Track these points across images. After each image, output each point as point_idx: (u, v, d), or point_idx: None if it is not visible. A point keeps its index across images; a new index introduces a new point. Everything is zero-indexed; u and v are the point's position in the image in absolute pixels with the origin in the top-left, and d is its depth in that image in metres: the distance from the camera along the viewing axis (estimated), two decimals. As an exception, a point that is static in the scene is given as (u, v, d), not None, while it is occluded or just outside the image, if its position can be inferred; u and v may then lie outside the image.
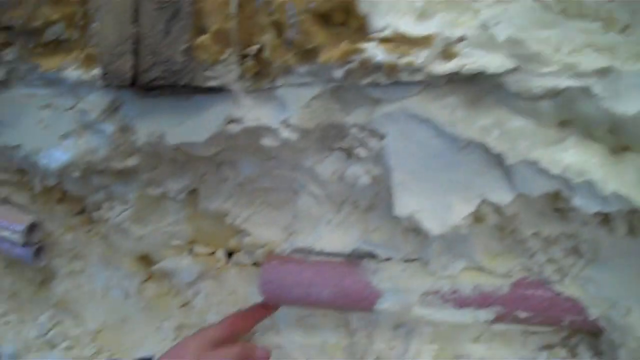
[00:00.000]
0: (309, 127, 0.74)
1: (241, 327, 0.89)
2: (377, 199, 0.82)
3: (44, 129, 0.90)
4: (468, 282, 0.79)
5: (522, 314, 0.77)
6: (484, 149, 0.66)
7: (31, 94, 0.90)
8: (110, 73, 0.74)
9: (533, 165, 0.64)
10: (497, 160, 0.66)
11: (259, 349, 0.89)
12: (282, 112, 0.75)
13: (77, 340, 1.04)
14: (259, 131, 0.78)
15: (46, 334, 1.03)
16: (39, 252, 1.00)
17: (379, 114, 0.70)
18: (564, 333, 0.83)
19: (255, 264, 1.03)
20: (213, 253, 1.06)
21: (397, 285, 0.81)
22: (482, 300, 0.78)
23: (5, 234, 0.97)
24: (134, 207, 0.99)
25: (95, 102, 0.84)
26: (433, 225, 0.70)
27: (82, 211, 1.10)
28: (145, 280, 1.09)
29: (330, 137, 0.79)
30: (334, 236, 0.88)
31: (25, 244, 0.98)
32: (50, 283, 1.12)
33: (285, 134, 0.75)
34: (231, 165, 0.92)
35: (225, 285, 1.04)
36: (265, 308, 0.92)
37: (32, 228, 0.98)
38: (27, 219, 0.97)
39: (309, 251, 0.90)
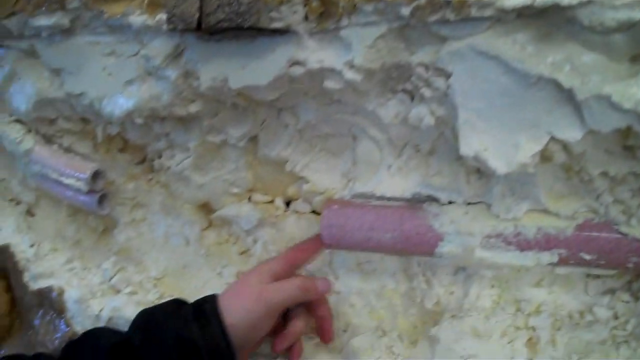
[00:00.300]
0: (373, 68, 0.74)
1: (299, 260, 0.90)
2: (439, 142, 0.82)
3: (108, 76, 0.92)
4: (532, 224, 0.78)
5: (587, 256, 0.77)
6: (554, 85, 0.65)
7: (95, 42, 0.92)
8: (176, 16, 0.74)
9: (604, 100, 0.63)
10: (567, 96, 0.65)
11: (320, 279, 0.90)
12: (346, 53, 0.74)
13: (140, 285, 1.06)
14: (323, 73, 0.78)
15: (110, 279, 1.06)
16: (102, 199, 1.02)
17: (446, 52, 0.70)
18: (628, 277, 0.82)
19: (314, 212, 1.04)
20: (272, 201, 1.07)
21: (459, 228, 0.81)
22: (545, 243, 0.78)
23: (70, 181, 0.99)
24: (195, 155, 1.00)
25: (159, 47, 0.85)
26: (499, 164, 0.70)
27: (143, 160, 1.12)
28: (205, 228, 1.11)
29: (393, 79, 0.79)
30: (394, 181, 0.88)
31: (89, 192, 1.00)
32: (112, 231, 1.15)
33: (349, 75, 0.75)
34: (291, 111, 0.92)
35: (284, 233, 1.05)
36: (321, 241, 0.92)
37: (95, 176, 1.00)
38: (90, 167, 0.99)
39: (369, 196, 0.90)
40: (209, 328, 0.75)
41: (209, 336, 0.74)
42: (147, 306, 0.99)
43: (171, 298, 0.85)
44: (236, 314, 0.78)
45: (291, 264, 0.88)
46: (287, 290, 0.83)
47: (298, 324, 0.89)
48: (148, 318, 0.81)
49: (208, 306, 0.78)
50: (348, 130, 0.92)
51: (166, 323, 0.77)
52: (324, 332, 0.93)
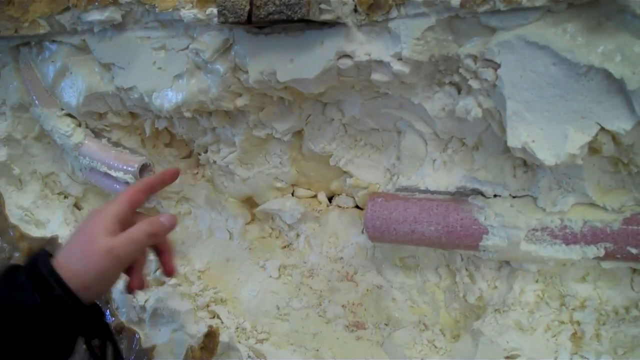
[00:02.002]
0: (421, 60, 0.75)
1: (141, 200, 0.83)
2: (486, 135, 0.82)
3: (158, 70, 0.93)
4: (578, 217, 0.78)
5: (633, 250, 0.76)
6: (605, 75, 0.65)
7: (146, 36, 0.94)
8: (227, 9, 0.75)
9: (656, 91, 0.63)
10: (617, 87, 0.65)
11: (165, 217, 0.82)
12: (394, 45, 0.75)
13: (184, 278, 1.08)
14: (370, 65, 0.79)
15: (155, 271, 1.07)
16: (149, 192, 1.03)
17: (495, 43, 0.70)
18: (675, 272, 0.82)
19: (357, 206, 1.05)
20: (315, 195, 1.09)
21: (505, 221, 0.81)
22: (592, 236, 0.77)
23: (118, 174, 1.01)
24: (240, 149, 1.02)
25: (208, 42, 0.87)
26: (547, 156, 0.70)
27: (189, 155, 1.14)
28: (249, 222, 1.13)
29: (440, 71, 0.79)
30: (438, 175, 0.89)
31: (137, 184, 1.02)
32: (157, 224, 1.17)
33: (397, 67, 0.76)
34: (337, 105, 0.94)
35: (327, 228, 1.06)
36: (160, 178, 0.89)
37: (143, 168, 1.01)
38: (139, 160, 1.01)
39: (413, 190, 0.91)
40: (55, 295, 0.67)
41: (56, 303, 0.67)
42: (190, 298, 1.01)
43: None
44: (86, 275, 0.70)
45: (132, 204, 0.80)
46: (137, 242, 0.76)
47: (142, 259, 0.83)
48: None
49: (52, 278, 0.68)
50: (393, 124, 0.92)
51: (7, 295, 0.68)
52: (165, 266, 0.86)
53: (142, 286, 0.82)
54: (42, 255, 0.72)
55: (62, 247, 0.75)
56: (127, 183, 1.01)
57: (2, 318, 0.66)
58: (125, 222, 0.77)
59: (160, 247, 0.85)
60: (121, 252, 0.73)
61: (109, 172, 1.02)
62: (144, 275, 0.82)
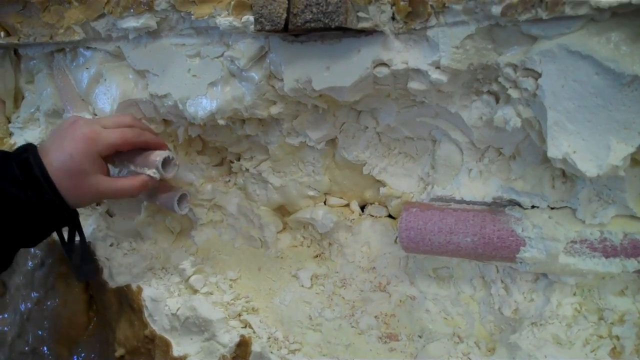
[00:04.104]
0: (460, 69, 0.74)
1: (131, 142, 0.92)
2: (524, 145, 0.81)
3: (192, 77, 0.94)
4: (618, 230, 0.77)
5: (676, 264, 0.75)
6: (649, 85, 0.64)
7: (180, 43, 0.94)
8: (264, 17, 0.75)
9: (701, 102, 0.62)
10: (662, 97, 0.64)
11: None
12: (432, 54, 0.74)
13: (216, 286, 1.07)
14: (407, 74, 0.78)
15: (187, 279, 1.07)
16: (182, 199, 1.03)
17: (536, 52, 0.69)
18: None
19: (390, 216, 1.04)
20: (347, 204, 1.08)
21: (543, 233, 0.79)
22: (632, 249, 0.76)
23: (143, 170, 0.98)
24: (273, 157, 1.02)
25: (244, 49, 0.87)
26: (589, 167, 0.68)
27: (221, 162, 1.14)
28: (281, 231, 1.12)
29: (478, 80, 0.78)
30: (474, 185, 0.88)
31: (170, 190, 1.02)
32: (189, 232, 1.17)
33: (435, 76, 0.75)
34: (371, 113, 0.93)
35: (359, 237, 1.05)
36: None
37: (166, 162, 0.96)
38: (162, 154, 0.98)
39: (448, 200, 0.90)
40: (47, 199, 0.81)
41: (47, 204, 0.81)
42: (222, 307, 1.01)
43: None
44: (75, 199, 0.85)
45: (132, 143, 0.92)
46: (118, 188, 0.89)
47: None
48: None
49: (46, 184, 0.81)
50: (428, 133, 0.92)
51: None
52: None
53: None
54: (34, 154, 0.82)
55: (54, 142, 0.85)
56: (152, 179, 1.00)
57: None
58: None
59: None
60: (105, 195, 0.88)
61: (134, 169, 1.00)
62: None
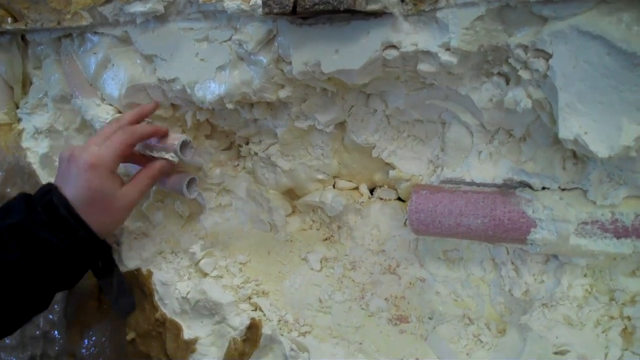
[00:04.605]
0: (470, 50, 0.73)
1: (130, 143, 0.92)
2: (534, 126, 0.80)
3: (200, 61, 0.93)
4: (629, 211, 0.76)
5: (687, 244, 0.75)
6: (661, 65, 0.64)
7: (188, 28, 0.94)
8: (272, 0, 0.75)
9: None
10: (675, 77, 0.64)
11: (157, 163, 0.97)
12: (442, 35, 0.74)
13: (226, 269, 1.08)
14: (417, 56, 0.78)
15: (197, 263, 1.07)
16: (191, 183, 1.03)
17: (547, 32, 0.68)
18: None
19: (399, 199, 1.04)
20: (356, 188, 1.08)
21: (554, 214, 0.79)
22: (644, 230, 0.76)
23: (160, 154, 0.98)
24: (282, 141, 1.02)
25: (252, 33, 0.86)
26: (601, 147, 0.68)
27: (229, 146, 1.14)
28: (290, 214, 1.13)
29: (489, 62, 0.78)
30: (484, 167, 0.88)
31: (180, 174, 1.02)
32: (198, 217, 1.17)
33: (445, 57, 0.75)
34: (380, 96, 0.93)
35: (368, 220, 1.05)
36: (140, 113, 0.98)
37: (184, 145, 0.98)
38: (179, 137, 0.98)
39: (457, 182, 0.90)
40: (80, 236, 0.82)
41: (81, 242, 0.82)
42: (232, 290, 1.01)
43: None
44: (109, 226, 0.88)
45: (131, 143, 0.92)
46: (142, 187, 0.92)
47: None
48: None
49: (74, 222, 0.82)
50: (438, 116, 0.91)
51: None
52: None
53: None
54: (58, 195, 0.82)
55: (64, 185, 0.85)
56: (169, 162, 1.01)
57: (32, 254, 0.79)
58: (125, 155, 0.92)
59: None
60: (136, 200, 0.91)
61: (150, 154, 1.00)
62: None
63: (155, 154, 0.97)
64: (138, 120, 0.96)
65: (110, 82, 1.04)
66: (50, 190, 0.83)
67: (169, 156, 0.95)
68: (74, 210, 0.81)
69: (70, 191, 0.83)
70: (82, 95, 1.08)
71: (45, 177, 1.18)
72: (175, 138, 0.97)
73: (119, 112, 1.08)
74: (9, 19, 1.07)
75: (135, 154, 0.99)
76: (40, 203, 0.81)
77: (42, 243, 0.78)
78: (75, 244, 0.81)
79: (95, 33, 1.04)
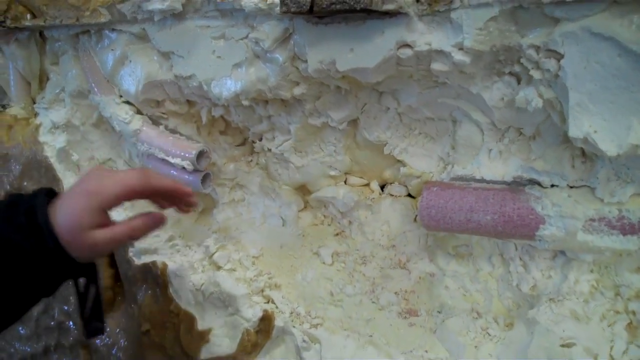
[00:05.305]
0: (483, 50, 0.75)
1: (133, 197, 0.83)
2: (544, 125, 0.82)
3: (217, 59, 0.95)
4: (636, 208, 0.78)
5: (692, 241, 0.77)
6: (670, 66, 0.66)
7: (205, 25, 0.95)
8: (290, -1, 0.77)
9: None
10: (683, 78, 0.66)
11: (148, 215, 0.84)
12: (455, 35, 0.76)
13: (239, 263, 1.10)
14: (431, 55, 0.79)
15: (211, 256, 1.10)
16: (205, 179, 1.06)
17: (559, 33, 0.70)
18: None
19: (409, 195, 1.06)
20: (368, 184, 1.10)
21: (562, 211, 0.81)
22: (650, 227, 0.78)
23: (176, 160, 1.03)
24: (295, 138, 1.04)
25: (268, 31, 0.88)
26: (610, 146, 0.70)
27: (243, 142, 1.16)
28: (302, 209, 1.15)
29: (500, 62, 0.80)
30: (494, 164, 0.90)
31: (193, 171, 1.04)
32: (211, 211, 1.19)
33: (458, 57, 0.77)
34: (392, 94, 0.95)
35: (379, 216, 1.07)
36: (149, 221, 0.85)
37: (200, 155, 1.03)
38: (196, 147, 1.03)
39: (468, 179, 0.92)
40: (49, 247, 0.75)
41: (49, 253, 0.75)
42: (246, 283, 1.03)
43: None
44: (74, 250, 0.77)
45: (127, 199, 0.82)
46: (118, 242, 0.81)
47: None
48: None
49: (47, 232, 0.75)
50: (449, 114, 0.93)
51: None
52: (183, 202, 0.89)
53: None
54: (40, 203, 0.77)
55: (64, 194, 0.79)
56: (183, 169, 1.03)
57: (2, 254, 0.73)
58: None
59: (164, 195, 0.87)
60: (103, 249, 0.78)
61: (166, 158, 1.04)
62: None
63: (171, 160, 1.00)
64: (167, 189, 0.86)
65: (128, 78, 1.06)
66: (37, 194, 0.79)
67: (185, 164, 0.98)
68: (49, 220, 0.75)
69: (63, 205, 0.78)
70: (100, 92, 1.10)
71: (61, 171, 1.20)
72: (193, 147, 0.99)
73: (138, 111, 1.11)
74: (28, 16, 1.09)
75: (154, 144, 0.98)
76: (25, 205, 0.77)
77: (12, 246, 0.74)
78: (44, 254, 0.75)
79: (113, 30, 1.06)
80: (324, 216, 1.14)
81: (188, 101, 1.08)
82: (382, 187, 1.11)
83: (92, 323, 0.89)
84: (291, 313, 1.03)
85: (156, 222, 0.84)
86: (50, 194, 0.80)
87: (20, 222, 0.75)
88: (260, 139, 1.11)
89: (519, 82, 0.81)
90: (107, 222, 0.80)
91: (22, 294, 0.78)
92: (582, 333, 0.82)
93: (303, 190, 1.15)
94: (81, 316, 0.88)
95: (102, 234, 0.78)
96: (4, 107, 1.26)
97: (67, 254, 0.76)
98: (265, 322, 1.01)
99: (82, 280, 0.86)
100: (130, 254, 1.14)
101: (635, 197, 0.79)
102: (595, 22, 0.68)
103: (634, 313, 0.82)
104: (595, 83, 0.70)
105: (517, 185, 0.88)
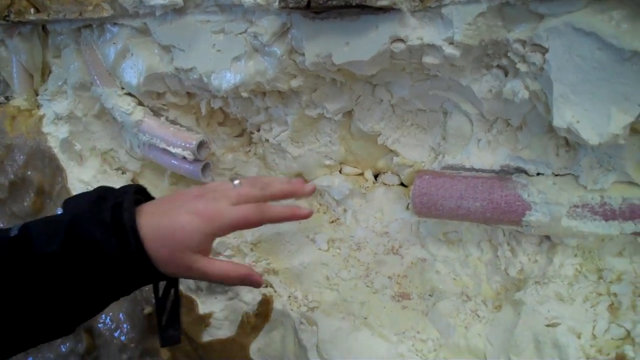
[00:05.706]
0: (472, 44, 0.79)
1: (248, 226, 0.78)
2: (530, 116, 0.86)
3: (217, 52, 0.98)
4: (617, 195, 0.82)
5: (671, 226, 0.80)
6: (648, 60, 0.69)
7: (205, 20, 0.98)
8: (288, -5, 0.80)
9: (695, 75, 0.67)
10: (660, 70, 0.69)
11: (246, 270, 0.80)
12: (446, 30, 0.80)
13: (238, 249, 1.13)
14: (423, 49, 0.83)
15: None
16: (205, 169, 1.09)
17: (543, 29, 0.74)
18: None
19: (401, 184, 1.10)
20: (362, 173, 1.13)
21: (547, 198, 0.85)
22: (630, 213, 0.81)
23: (177, 150, 1.06)
24: (292, 128, 1.07)
25: (267, 26, 0.91)
26: (591, 135, 0.74)
27: (241, 133, 1.19)
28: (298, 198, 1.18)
29: (489, 55, 0.83)
30: (483, 154, 0.93)
31: (194, 161, 1.07)
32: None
33: (448, 50, 0.80)
34: (386, 87, 0.98)
35: (373, 204, 1.11)
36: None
37: (201, 145, 1.06)
38: (197, 137, 1.06)
39: (458, 168, 0.96)
40: (130, 251, 0.69)
41: (130, 257, 0.69)
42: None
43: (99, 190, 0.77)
44: (164, 266, 0.72)
45: (240, 228, 0.78)
46: (211, 277, 0.76)
47: None
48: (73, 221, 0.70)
49: (132, 236, 0.69)
50: (440, 105, 0.97)
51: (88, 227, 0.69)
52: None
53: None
54: (129, 199, 0.72)
55: (167, 203, 0.75)
56: (184, 159, 1.06)
57: (81, 251, 0.68)
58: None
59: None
60: (193, 275, 0.74)
61: (167, 148, 1.07)
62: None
63: (172, 150, 1.03)
64: (285, 196, 0.86)
65: (129, 71, 1.09)
66: (127, 191, 0.75)
67: (186, 154, 1.01)
68: (135, 221, 0.70)
69: (158, 210, 0.73)
70: (102, 84, 1.13)
71: (65, 161, 1.22)
72: (194, 137, 1.02)
73: (140, 103, 1.14)
74: (32, 10, 1.12)
75: (154, 133, 1.00)
76: (112, 201, 0.72)
77: (93, 243, 0.68)
78: (124, 257, 0.69)
79: (115, 24, 1.09)
80: (320, 204, 1.17)
81: (188, 93, 1.11)
82: (376, 176, 1.14)
83: (168, 331, 0.84)
84: (289, 297, 1.06)
85: (252, 284, 0.81)
86: (139, 191, 0.77)
87: (105, 218, 0.69)
88: (258, 130, 1.14)
89: (506, 74, 0.84)
90: (209, 250, 0.76)
91: (100, 290, 0.72)
92: (567, 313, 0.85)
93: (300, 179, 1.18)
94: (158, 323, 0.83)
95: (201, 262, 0.74)
96: (7, 98, 1.29)
97: (149, 261, 0.70)
98: (264, 306, 1.04)
99: (161, 285, 0.82)
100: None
101: (616, 184, 0.83)
102: (577, 18, 0.71)
103: (615, 295, 0.86)
104: (577, 75, 0.73)
105: (504, 173, 0.92)
